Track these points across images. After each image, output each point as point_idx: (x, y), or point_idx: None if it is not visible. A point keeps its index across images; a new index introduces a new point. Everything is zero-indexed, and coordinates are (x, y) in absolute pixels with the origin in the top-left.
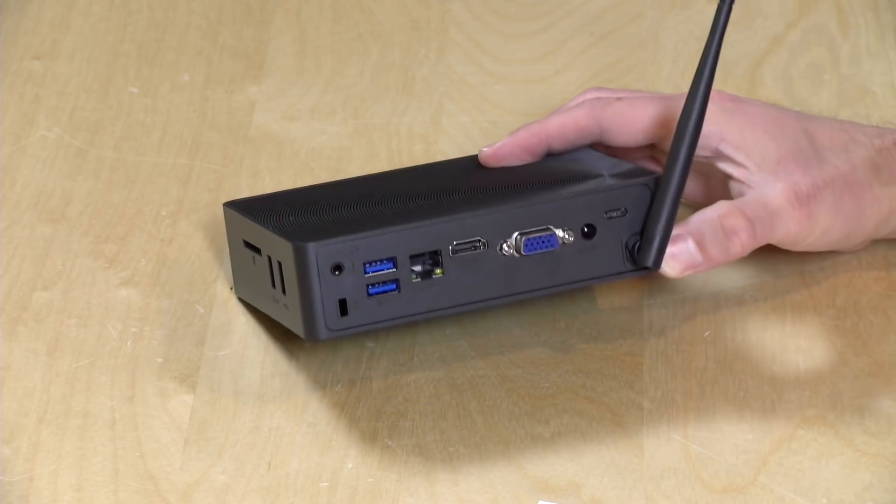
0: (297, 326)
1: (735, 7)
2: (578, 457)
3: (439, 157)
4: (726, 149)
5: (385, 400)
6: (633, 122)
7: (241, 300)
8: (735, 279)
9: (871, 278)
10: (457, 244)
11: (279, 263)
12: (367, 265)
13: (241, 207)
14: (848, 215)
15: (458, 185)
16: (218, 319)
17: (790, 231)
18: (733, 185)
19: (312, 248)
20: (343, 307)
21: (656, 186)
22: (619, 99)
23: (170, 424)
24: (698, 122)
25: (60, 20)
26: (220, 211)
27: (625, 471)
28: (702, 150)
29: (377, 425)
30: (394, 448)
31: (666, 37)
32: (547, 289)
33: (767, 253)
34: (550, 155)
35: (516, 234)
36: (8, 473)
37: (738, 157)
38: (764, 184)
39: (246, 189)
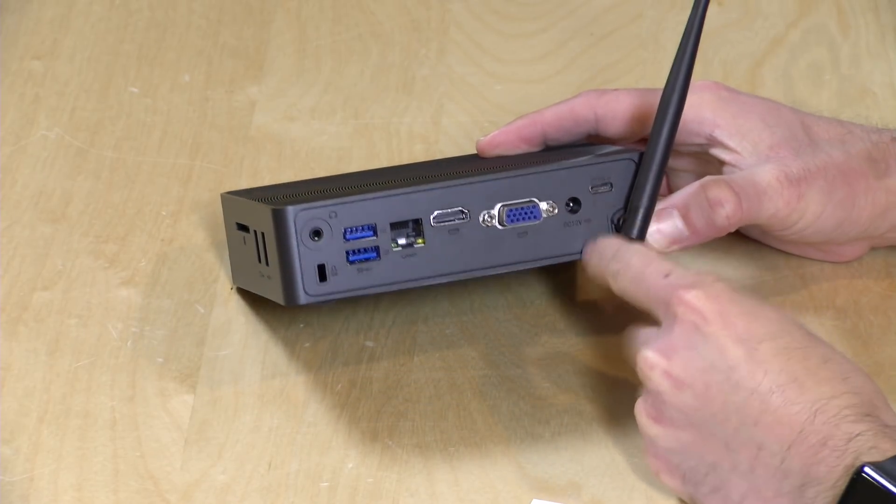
0: (278, 294)
1: (735, 7)
2: (579, 457)
3: (439, 157)
4: (720, 135)
5: (385, 400)
6: (628, 109)
7: (239, 291)
8: (735, 279)
9: (871, 279)
10: (438, 213)
11: (262, 234)
12: (347, 231)
13: (237, 193)
14: (840, 202)
15: (450, 166)
16: (218, 319)
17: (779, 209)
18: (726, 171)
19: (291, 211)
20: (322, 273)
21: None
22: (615, 90)
23: (170, 424)
24: (682, 92)
25: (61, 20)
26: (221, 211)
27: (625, 471)
28: (695, 137)
29: (377, 425)
30: (394, 448)
31: (666, 37)
32: (530, 262)
33: (767, 253)
34: (548, 147)
35: (499, 205)
36: (8, 473)
37: (732, 142)
38: (755, 165)
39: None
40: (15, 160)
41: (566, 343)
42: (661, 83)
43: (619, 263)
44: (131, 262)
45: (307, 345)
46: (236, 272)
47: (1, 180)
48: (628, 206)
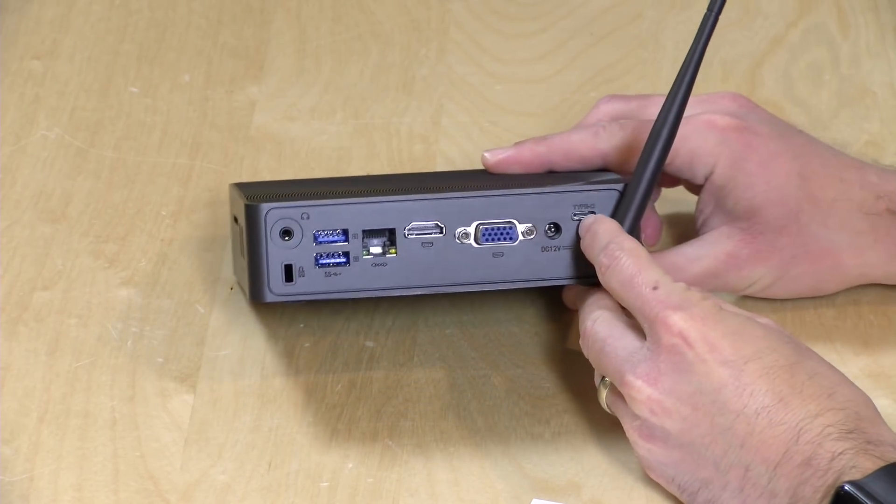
0: (247, 290)
1: (735, 7)
2: (579, 457)
3: (439, 157)
4: (710, 185)
5: (385, 400)
6: (635, 153)
7: (241, 289)
8: None
9: None
10: (413, 225)
11: (241, 228)
12: (318, 234)
13: (241, 185)
14: (796, 279)
15: (443, 177)
16: (218, 319)
17: (717, 287)
18: (698, 214)
19: (264, 208)
20: (288, 273)
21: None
22: (621, 126)
23: (170, 424)
24: (672, 130)
25: (60, 20)
26: (221, 211)
27: (625, 471)
28: (694, 178)
29: (377, 425)
30: (394, 448)
31: (666, 37)
32: (502, 283)
33: None
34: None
35: (475, 222)
36: (8, 473)
37: (720, 194)
38: (713, 239)
39: None
40: (15, 160)
41: (566, 342)
42: (660, 83)
43: (610, 259)
44: (131, 262)
45: (307, 345)
46: (235, 266)
47: (1, 180)
48: None
